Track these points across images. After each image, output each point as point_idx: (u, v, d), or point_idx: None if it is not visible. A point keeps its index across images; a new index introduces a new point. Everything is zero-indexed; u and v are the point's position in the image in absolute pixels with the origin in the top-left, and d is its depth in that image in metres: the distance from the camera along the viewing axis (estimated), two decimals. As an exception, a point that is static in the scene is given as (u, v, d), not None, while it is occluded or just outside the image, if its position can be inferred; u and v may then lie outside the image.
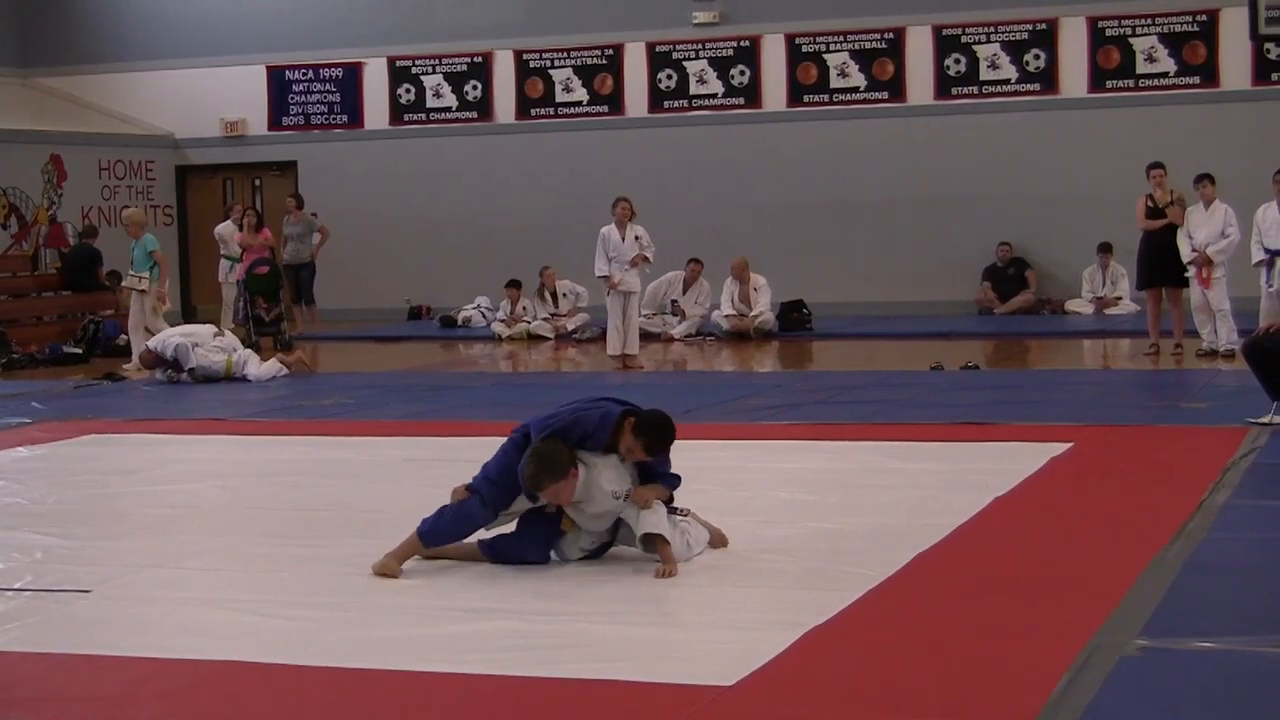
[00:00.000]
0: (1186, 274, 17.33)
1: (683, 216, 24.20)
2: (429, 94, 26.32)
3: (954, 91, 24.07)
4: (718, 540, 7.93)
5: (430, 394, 15.72)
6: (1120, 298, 22.96)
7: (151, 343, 17.46)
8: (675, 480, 7.74)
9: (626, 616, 6.84)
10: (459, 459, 11.01)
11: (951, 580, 7.28)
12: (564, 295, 22.91)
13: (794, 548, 7.95)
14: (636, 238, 18.05)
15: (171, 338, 17.24)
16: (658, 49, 25.20)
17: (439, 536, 7.67)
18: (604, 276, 18.11)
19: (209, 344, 17.22)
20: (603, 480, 7.49)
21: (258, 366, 17.21)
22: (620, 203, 18.18)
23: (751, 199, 24.66)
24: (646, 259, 18.21)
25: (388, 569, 7.55)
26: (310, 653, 6.31)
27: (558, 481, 7.41)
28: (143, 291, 19.21)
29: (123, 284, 19.76)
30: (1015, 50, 23.82)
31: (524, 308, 23.09)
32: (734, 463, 10.67)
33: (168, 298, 20.18)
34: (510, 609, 6.91)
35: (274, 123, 27.17)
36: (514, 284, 23.14)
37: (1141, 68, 23.37)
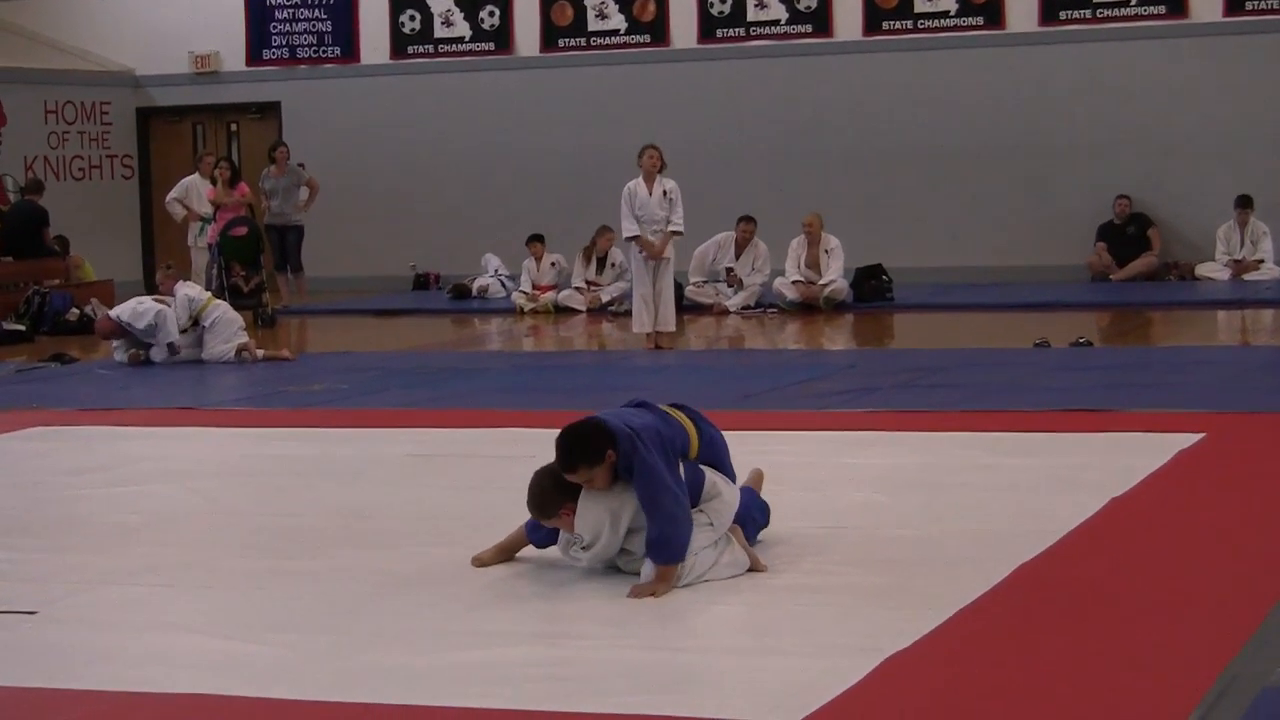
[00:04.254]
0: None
1: (738, 167, 24.19)
2: (437, 22, 26.36)
3: (1063, 16, 23.94)
4: (756, 568, 7.81)
5: (439, 378, 15.75)
6: (1262, 260, 22.87)
7: (116, 310, 17.31)
8: (662, 553, 7.38)
9: (670, 641, 6.84)
10: (472, 455, 11.09)
11: (1058, 598, 7.27)
12: (612, 265, 22.77)
13: (870, 559, 7.94)
14: (665, 193, 17.99)
15: (145, 303, 17.13)
16: (708, -34, 25.21)
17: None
18: (633, 237, 18.08)
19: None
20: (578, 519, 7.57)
21: (218, 343, 17.11)
22: (648, 151, 18.12)
23: (820, 146, 24.60)
24: (678, 233, 18.11)
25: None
26: (296, 685, 6.33)
27: (548, 516, 7.64)
28: None
29: None
30: (1136, -35, 23.72)
31: (553, 264, 23.05)
32: (799, 458, 10.66)
33: None
34: (532, 632, 6.94)
35: (253, 57, 27.24)
36: (536, 238, 23.10)
37: (1289, -16, 23.21)
